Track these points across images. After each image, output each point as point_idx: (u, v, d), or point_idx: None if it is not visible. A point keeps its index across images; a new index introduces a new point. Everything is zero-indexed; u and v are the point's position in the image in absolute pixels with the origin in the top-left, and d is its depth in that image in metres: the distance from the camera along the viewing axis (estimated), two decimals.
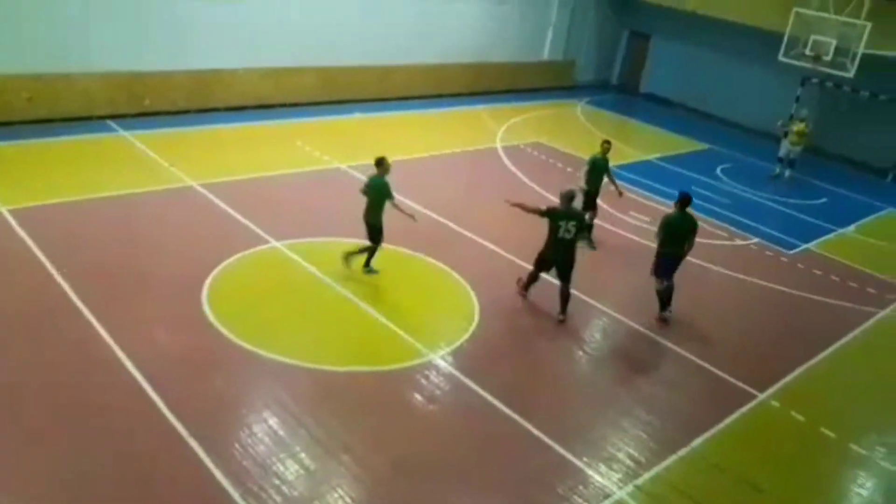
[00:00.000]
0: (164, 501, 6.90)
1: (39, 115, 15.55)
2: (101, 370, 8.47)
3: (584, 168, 13.84)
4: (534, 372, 9.89)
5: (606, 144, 13.80)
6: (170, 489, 7.04)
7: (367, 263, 11.44)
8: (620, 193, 14.19)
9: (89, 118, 16.13)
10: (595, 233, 13.97)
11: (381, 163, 11.04)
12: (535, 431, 8.54)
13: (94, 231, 11.64)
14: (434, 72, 22.94)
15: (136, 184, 13.38)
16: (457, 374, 9.44)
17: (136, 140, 15.48)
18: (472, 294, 11.36)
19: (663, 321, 11.53)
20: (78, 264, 10.46)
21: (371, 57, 21.08)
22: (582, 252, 12.93)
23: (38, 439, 7.37)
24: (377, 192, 10.98)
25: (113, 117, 16.44)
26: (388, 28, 21.20)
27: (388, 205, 11.02)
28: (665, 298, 11.57)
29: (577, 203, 12.65)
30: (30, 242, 10.84)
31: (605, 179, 13.85)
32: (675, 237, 11.22)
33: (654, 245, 11.54)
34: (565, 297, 11.09)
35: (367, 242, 11.32)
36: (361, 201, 14.20)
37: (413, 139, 18.62)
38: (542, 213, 10.87)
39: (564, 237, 10.81)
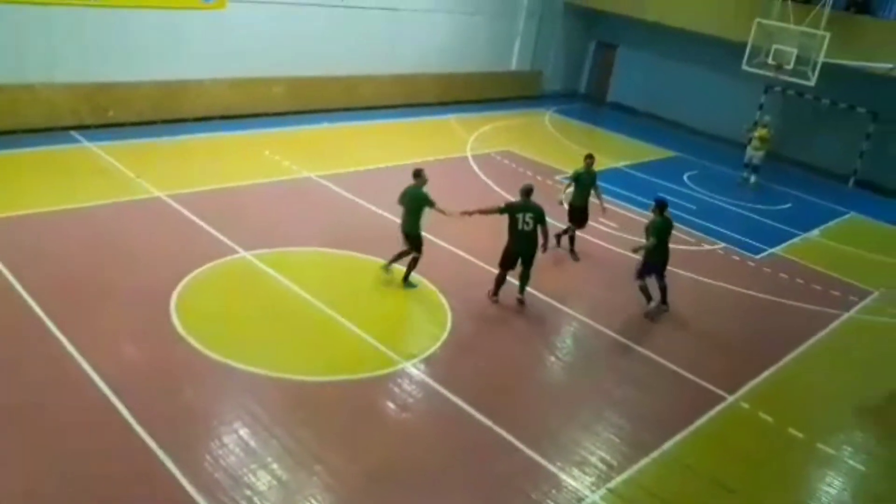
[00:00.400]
0: None
1: (1, 127, 15.24)
2: (68, 384, 8.32)
3: (566, 183, 13.85)
4: (506, 378, 9.90)
5: (589, 159, 13.68)
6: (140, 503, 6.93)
7: (406, 277, 11.64)
8: (604, 210, 14.02)
9: (53, 129, 15.86)
10: (577, 245, 13.95)
11: (418, 174, 11.42)
12: (508, 437, 8.55)
13: (59, 244, 11.43)
14: (403, 82, 22.96)
15: (102, 195, 13.20)
16: (429, 381, 9.42)
17: (102, 151, 15.26)
18: (444, 301, 11.36)
19: (648, 316, 11.88)
20: (43, 277, 10.27)
21: (340, 67, 21.04)
22: (558, 259, 13.02)
23: (4, 455, 7.22)
24: (415, 202, 11.29)
25: (77, 128, 16.19)
26: (357, 38, 21.17)
27: (426, 212, 11.42)
28: (661, 294, 12.14)
29: (563, 216, 12.84)
30: None
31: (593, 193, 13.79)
32: (662, 240, 11.78)
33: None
34: (525, 278, 11.51)
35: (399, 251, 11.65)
36: (330, 211, 14.28)
37: (383, 149, 18.61)
38: (501, 210, 11.30)
39: (524, 229, 11.16)
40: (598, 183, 13.88)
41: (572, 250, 13.82)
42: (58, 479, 7.02)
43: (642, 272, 11.92)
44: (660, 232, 11.74)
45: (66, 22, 15.82)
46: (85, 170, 14.40)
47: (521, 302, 11.57)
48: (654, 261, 11.92)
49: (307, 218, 13.81)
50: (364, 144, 18.89)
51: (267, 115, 19.44)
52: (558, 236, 13.72)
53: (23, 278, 10.14)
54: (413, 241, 11.49)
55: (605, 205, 14.09)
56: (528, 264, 11.45)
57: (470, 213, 11.30)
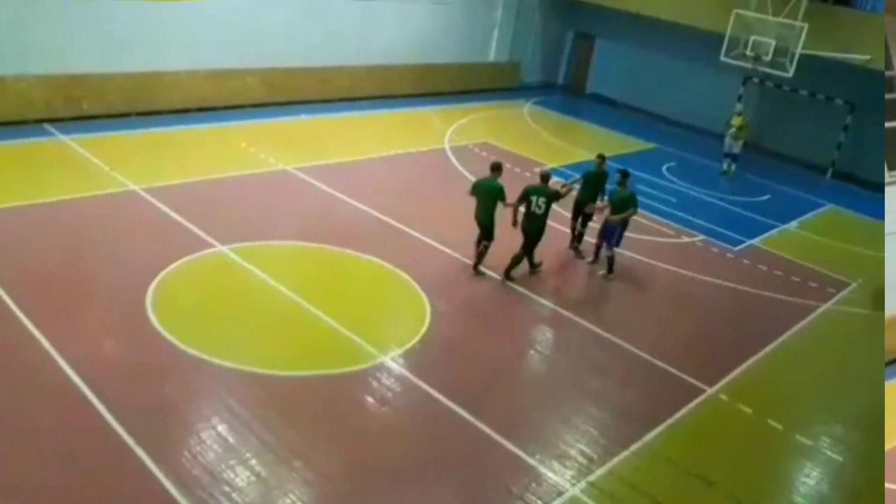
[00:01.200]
0: None
1: None
2: (43, 381, 8.18)
3: (573, 178, 13.90)
4: (485, 371, 9.88)
5: (600, 159, 13.58)
6: (118, 501, 6.83)
7: (476, 265, 12.18)
8: (597, 209, 13.48)
9: (26, 122, 15.58)
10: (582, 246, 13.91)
11: (497, 167, 12.00)
12: (488, 430, 8.52)
13: (32, 238, 11.21)
14: (380, 73, 22.75)
15: (77, 189, 12.97)
16: (408, 375, 9.37)
17: (76, 144, 15.02)
18: (423, 294, 11.29)
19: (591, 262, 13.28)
20: (16, 273, 10.08)
21: (315, 58, 20.82)
22: (539, 253, 12.99)
23: None
24: (489, 194, 11.73)
25: (51, 121, 15.91)
26: (332, 29, 20.96)
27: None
28: (595, 254, 13.26)
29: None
30: None
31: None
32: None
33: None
34: (517, 259, 11.99)
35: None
36: (308, 204, 14.16)
37: (360, 140, 18.48)
38: (521, 198, 11.86)
39: (535, 212, 11.77)
40: (608, 186, 13.62)
41: (576, 247, 13.78)
42: (35, 479, 6.90)
43: (618, 242, 12.79)
44: (636, 202, 12.59)
45: (39, 12, 15.50)
46: (59, 163, 14.16)
47: (508, 279, 12.08)
48: (622, 229, 12.80)
49: (285, 211, 13.67)
50: (341, 136, 18.75)
51: (243, 106, 19.22)
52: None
53: None
54: (485, 230, 11.90)
55: (601, 205, 13.63)
56: (530, 250, 12.00)
57: (514, 218, 11.96)
